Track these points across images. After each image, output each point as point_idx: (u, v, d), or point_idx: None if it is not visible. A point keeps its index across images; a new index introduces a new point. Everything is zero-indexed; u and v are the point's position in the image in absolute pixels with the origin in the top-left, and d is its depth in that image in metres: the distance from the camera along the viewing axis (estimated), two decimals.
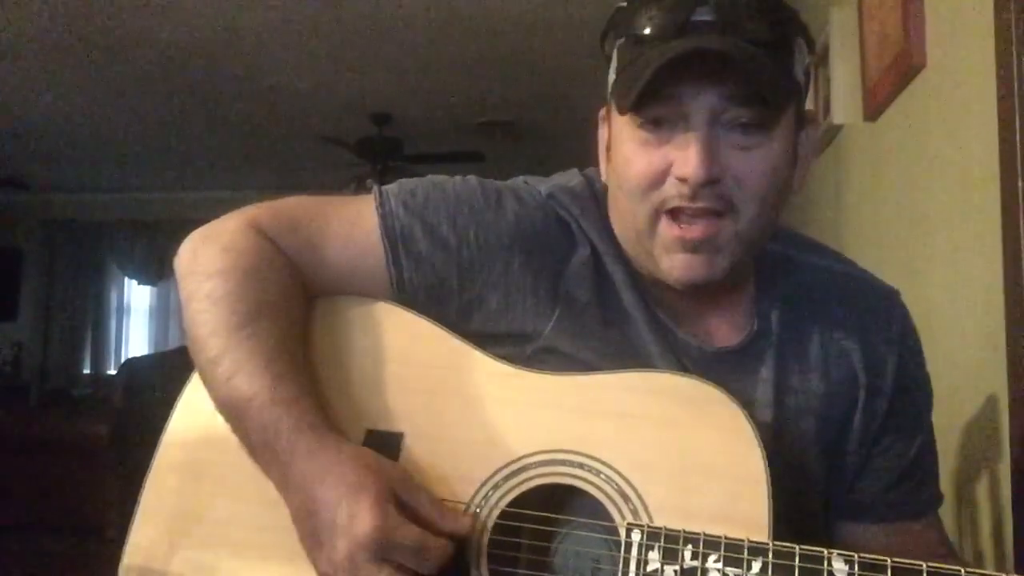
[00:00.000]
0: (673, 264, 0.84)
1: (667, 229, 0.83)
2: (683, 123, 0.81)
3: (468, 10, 3.74)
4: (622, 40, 0.84)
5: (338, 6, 3.71)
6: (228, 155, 6.27)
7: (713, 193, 0.81)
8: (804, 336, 0.92)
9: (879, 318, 0.94)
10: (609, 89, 0.88)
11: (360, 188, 4.89)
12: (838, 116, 2.12)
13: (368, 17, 3.81)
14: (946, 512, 1.01)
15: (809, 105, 2.47)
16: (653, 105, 0.81)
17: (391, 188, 0.94)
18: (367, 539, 0.72)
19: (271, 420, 0.80)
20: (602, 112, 0.93)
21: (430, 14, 3.78)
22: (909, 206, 1.71)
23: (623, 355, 0.88)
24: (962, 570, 0.69)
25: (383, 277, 0.91)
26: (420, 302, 0.91)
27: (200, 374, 0.88)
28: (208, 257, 0.88)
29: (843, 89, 2.10)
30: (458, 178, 0.95)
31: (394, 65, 4.40)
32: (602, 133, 0.93)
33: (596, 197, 0.93)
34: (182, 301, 0.88)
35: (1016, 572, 1.04)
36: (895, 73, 1.70)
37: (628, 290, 0.90)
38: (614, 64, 0.86)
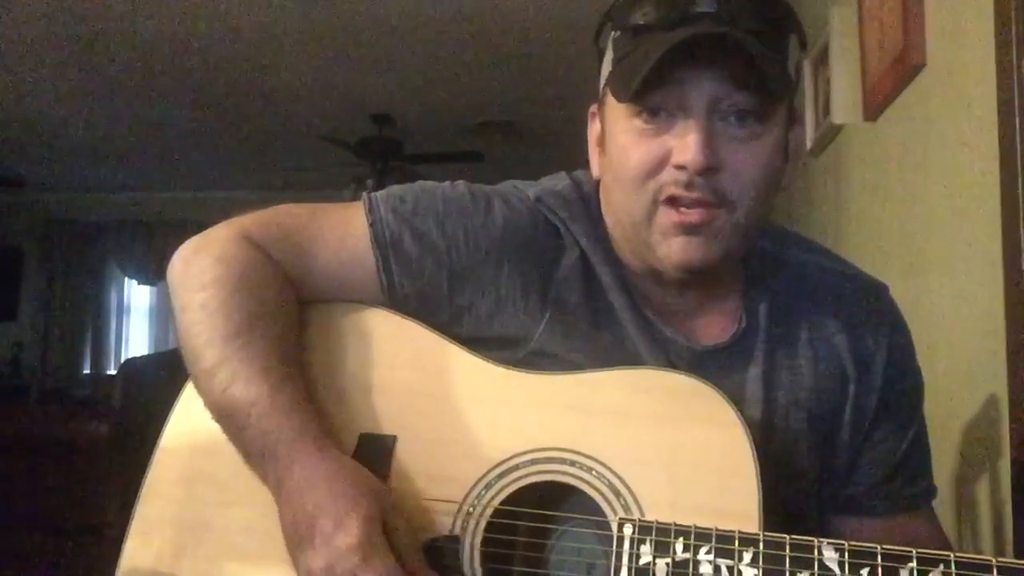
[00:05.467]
0: (671, 248, 0.84)
1: (666, 215, 0.83)
2: (681, 112, 0.81)
3: (468, 10, 3.74)
4: (618, 32, 0.85)
5: (338, 6, 3.71)
6: (228, 155, 6.26)
7: (708, 185, 0.81)
8: (793, 332, 0.93)
9: (868, 313, 0.94)
10: (603, 81, 0.88)
11: (360, 188, 4.89)
12: (838, 116, 2.12)
13: (368, 17, 3.81)
14: (946, 512, 1.01)
15: (809, 105, 2.48)
16: (653, 93, 0.81)
17: (380, 195, 0.94)
18: (348, 552, 0.73)
19: (271, 428, 0.80)
20: (592, 108, 0.93)
21: (430, 14, 3.78)
22: (909, 206, 1.70)
23: (613, 356, 0.88)
24: (951, 555, 0.69)
25: (374, 283, 0.91)
26: (411, 308, 0.92)
27: (195, 384, 0.88)
28: (200, 268, 0.88)
29: (843, 89, 2.10)
30: (447, 184, 0.95)
31: (394, 65, 4.40)
32: (593, 128, 0.93)
33: (584, 199, 0.94)
34: (176, 312, 0.89)
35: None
36: (895, 73, 1.69)
37: (617, 292, 0.91)
38: (609, 56, 0.87)
